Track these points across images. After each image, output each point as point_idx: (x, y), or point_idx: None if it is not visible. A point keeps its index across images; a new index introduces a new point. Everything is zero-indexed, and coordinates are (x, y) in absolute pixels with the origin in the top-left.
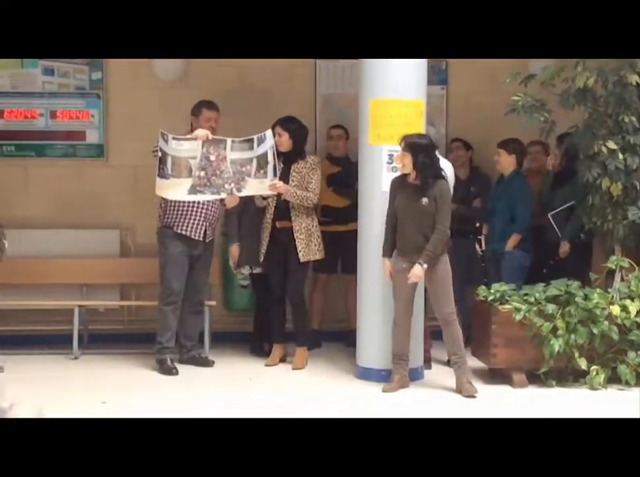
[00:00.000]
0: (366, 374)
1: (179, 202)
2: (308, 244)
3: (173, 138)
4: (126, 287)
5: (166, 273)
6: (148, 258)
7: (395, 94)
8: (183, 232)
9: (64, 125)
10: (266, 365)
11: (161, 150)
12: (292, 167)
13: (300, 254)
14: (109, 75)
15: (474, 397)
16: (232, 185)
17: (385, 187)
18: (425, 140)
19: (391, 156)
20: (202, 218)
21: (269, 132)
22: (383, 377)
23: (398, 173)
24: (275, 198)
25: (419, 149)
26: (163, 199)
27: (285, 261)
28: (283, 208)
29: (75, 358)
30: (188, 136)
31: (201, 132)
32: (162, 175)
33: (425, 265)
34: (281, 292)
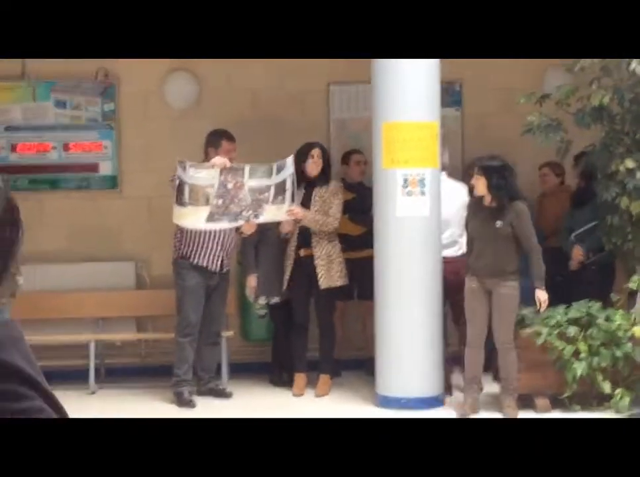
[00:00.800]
0: (385, 402)
1: (195, 232)
2: (329, 270)
3: (191, 166)
4: (142, 320)
5: (183, 305)
6: (164, 290)
7: (408, 117)
8: (200, 263)
9: (77, 157)
10: (294, 395)
11: (179, 177)
12: (314, 192)
13: (320, 281)
14: (121, 106)
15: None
16: (250, 212)
17: (400, 211)
18: (497, 162)
19: (405, 179)
20: (219, 249)
21: (290, 160)
22: (403, 405)
23: (416, 200)
24: (299, 226)
25: (492, 171)
26: (179, 229)
27: (311, 288)
28: (305, 235)
29: (92, 392)
30: (206, 164)
31: (218, 160)
32: (180, 202)
33: (543, 288)
34: (305, 320)
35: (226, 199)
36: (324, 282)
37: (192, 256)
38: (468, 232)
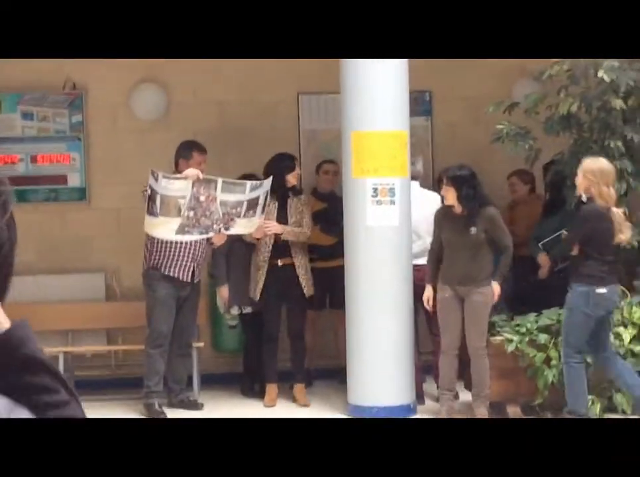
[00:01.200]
0: (357, 412)
1: (166, 243)
2: (308, 280)
3: (164, 177)
4: (112, 332)
5: (154, 316)
6: (135, 302)
7: (377, 126)
8: (171, 274)
9: (45, 169)
10: (265, 406)
11: (151, 188)
12: (289, 203)
13: (305, 290)
14: (89, 118)
15: None
16: (221, 225)
17: (370, 220)
18: (465, 171)
19: (375, 189)
20: (189, 259)
21: (268, 181)
22: (375, 414)
23: (386, 209)
24: (274, 236)
25: (461, 181)
26: (149, 239)
27: (286, 297)
28: (281, 245)
29: None
30: (178, 176)
31: (191, 172)
32: (151, 212)
33: (500, 283)
34: (276, 330)
35: (197, 212)
36: (308, 291)
37: (163, 267)
38: (438, 241)
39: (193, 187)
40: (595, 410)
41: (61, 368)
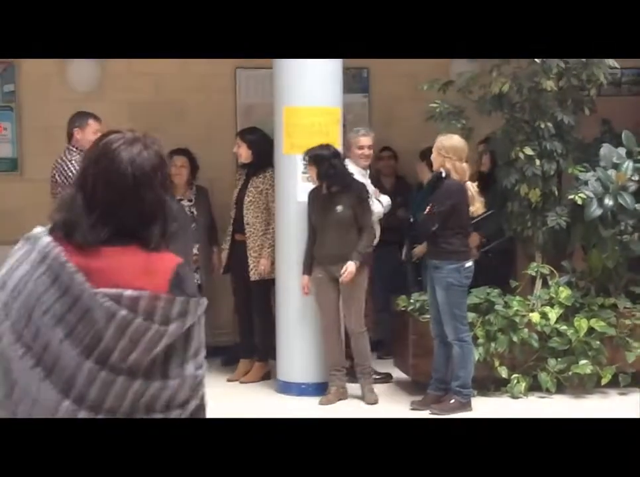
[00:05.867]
0: (286, 388)
1: None
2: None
3: None
4: None
5: None
6: None
7: (310, 102)
8: None
9: None
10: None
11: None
12: (250, 181)
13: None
14: (21, 87)
15: (376, 403)
16: None
17: (301, 196)
18: (327, 151)
19: (306, 165)
20: None
21: None
22: (303, 390)
23: (312, 186)
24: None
25: (321, 160)
26: None
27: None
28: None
29: None
30: None
31: None
32: None
33: (357, 263)
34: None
35: None
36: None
37: None
38: (311, 221)
39: None
40: (520, 388)
41: None
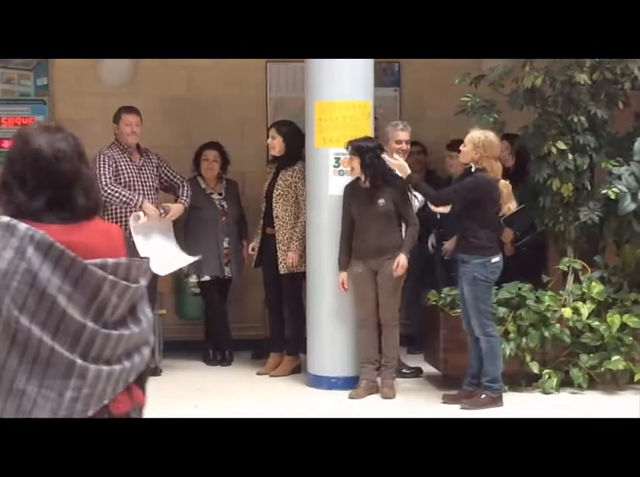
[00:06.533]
0: (316, 382)
1: (114, 217)
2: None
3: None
4: None
5: None
6: None
7: (341, 96)
8: None
9: (9, 132)
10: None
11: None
12: (280, 175)
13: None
14: (54, 81)
15: (393, 398)
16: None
17: (333, 190)
18: (371, 143)
19: (337, 159)
20: None
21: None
22: (333, 384)
23: (349, 179)
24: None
25: (365, 151)
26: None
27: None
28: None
29: None
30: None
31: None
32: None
33: (407, 256)
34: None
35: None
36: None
37: None
38: (348, 216)
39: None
40: (551, 384)
41: None
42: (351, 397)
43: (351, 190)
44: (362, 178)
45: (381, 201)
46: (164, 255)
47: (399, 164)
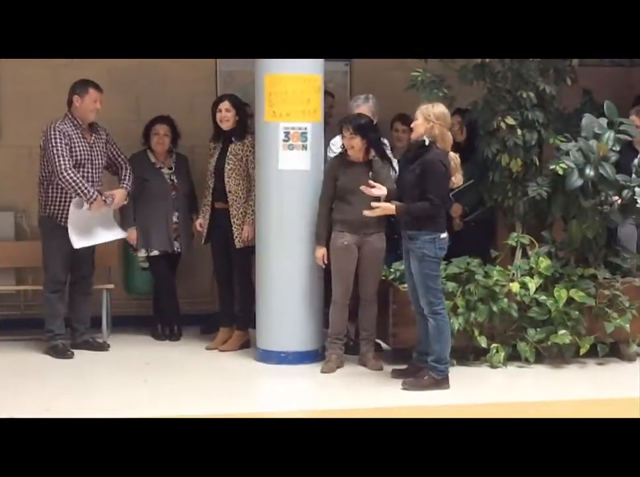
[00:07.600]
0: (265, 357)
1: (62, 194)
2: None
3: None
4: (22, 271)
5: (49, 264)
6: None
7: (291, 70)
8: (65, 225)
9: None
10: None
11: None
12: (229, 148)
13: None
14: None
15: (381, 369)
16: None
17: (282, 164)
18: (366, 120)
19: (287, 133)
20: None
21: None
22: (282, 359)
23: (299, 154)
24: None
25: (367, 130)
26: (42, 185)
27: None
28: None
29: None
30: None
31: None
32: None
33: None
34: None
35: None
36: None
37: (58, 217)
38: (331, 190)
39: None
40: (499, 358)
41: None
42: (323, 371)
43: (338, 162)
44: (361, 154)
45: (371, 174)
46: (92, 228)
47: (381, 210)
